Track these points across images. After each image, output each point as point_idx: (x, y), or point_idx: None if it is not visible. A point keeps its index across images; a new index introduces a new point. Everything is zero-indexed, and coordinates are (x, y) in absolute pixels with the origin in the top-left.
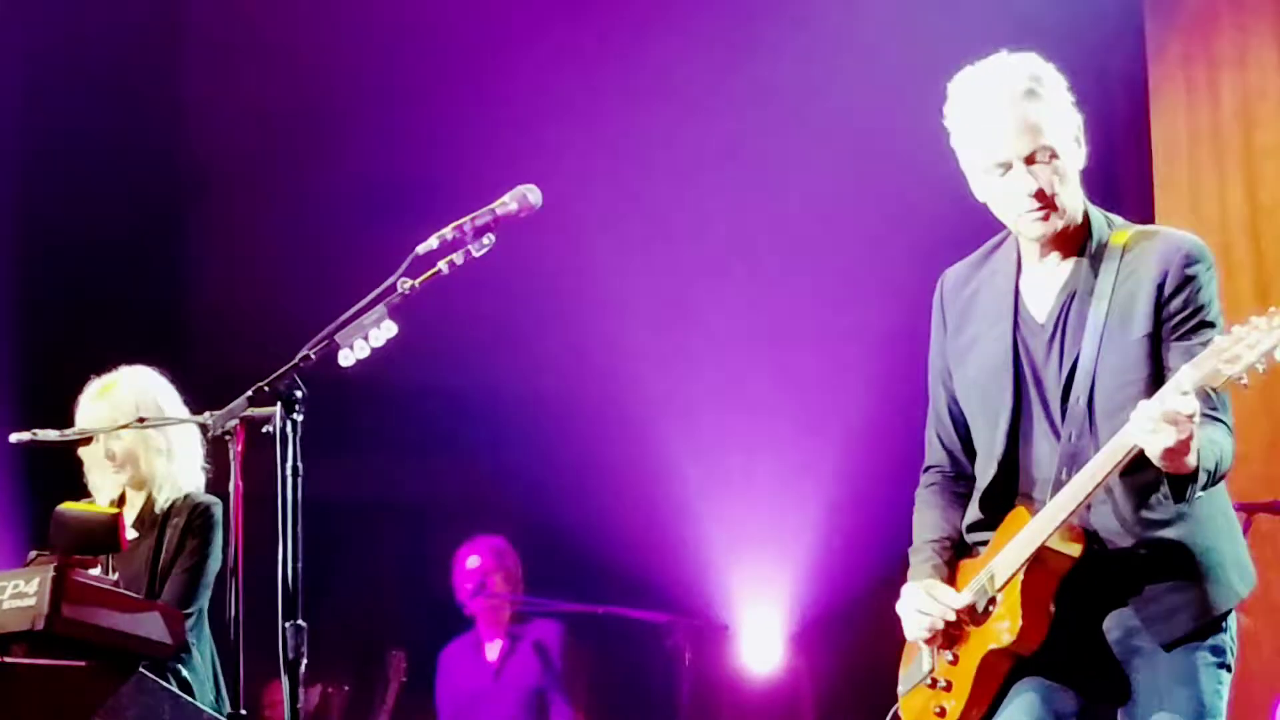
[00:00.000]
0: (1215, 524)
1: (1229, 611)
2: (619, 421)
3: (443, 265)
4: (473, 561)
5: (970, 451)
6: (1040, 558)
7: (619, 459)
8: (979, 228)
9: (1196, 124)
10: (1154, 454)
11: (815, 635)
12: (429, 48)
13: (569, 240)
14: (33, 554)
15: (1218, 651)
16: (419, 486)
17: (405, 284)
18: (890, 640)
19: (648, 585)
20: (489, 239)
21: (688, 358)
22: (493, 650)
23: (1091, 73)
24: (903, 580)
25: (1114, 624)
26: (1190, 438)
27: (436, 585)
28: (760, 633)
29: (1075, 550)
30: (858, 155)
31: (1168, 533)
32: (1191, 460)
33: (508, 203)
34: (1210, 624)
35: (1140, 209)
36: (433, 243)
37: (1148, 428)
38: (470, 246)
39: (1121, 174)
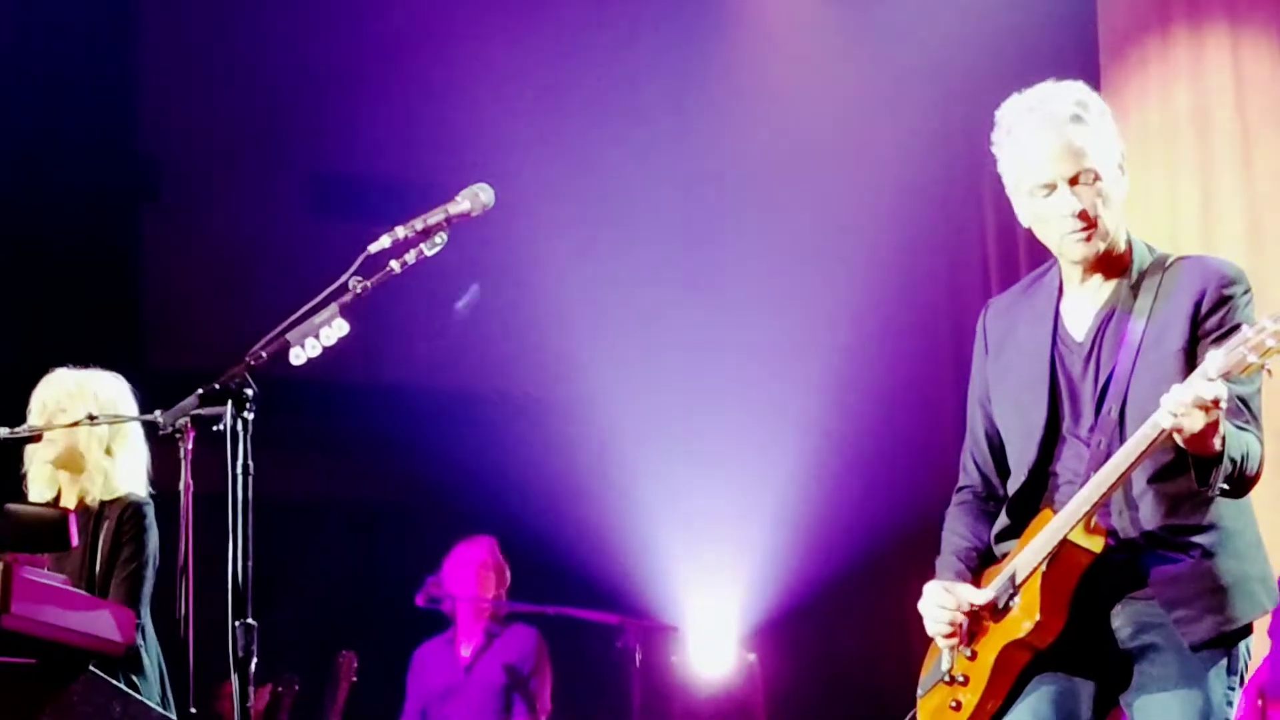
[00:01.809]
0: (1244, 538)
1: (1250, 623)
2: (571, 423)
3: (395, 264)
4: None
5: (1003, 473)
6: (1062, 552)
7: (570, 460)
8: (939, 240)
9: (1147, 126)
10: (1181, 438)
11: (766, 636)
12: (385, 46)
13: (527, 241)
14: None
15: (1234, 660)
16: (370, 487)
17: (357, 283)
18: (842, 640)
19: (598, 586)
20: (441, 238)
21: (642, 359)
22: (467, 648)
23: (1045, 72)
24: (855, 582)
25: (1131, 620)
26: (1216, 423)
27: (386, 586)
28: (711, 634)
29: (1097, 545)
30: (820, 162)
31: (1197, 539)
32: (1217, 444)
33: (460, 202)
34: (1233, 633)
35: None
36: (384, 241)
37: (1177, 412)
38: (422, 246)
39: None
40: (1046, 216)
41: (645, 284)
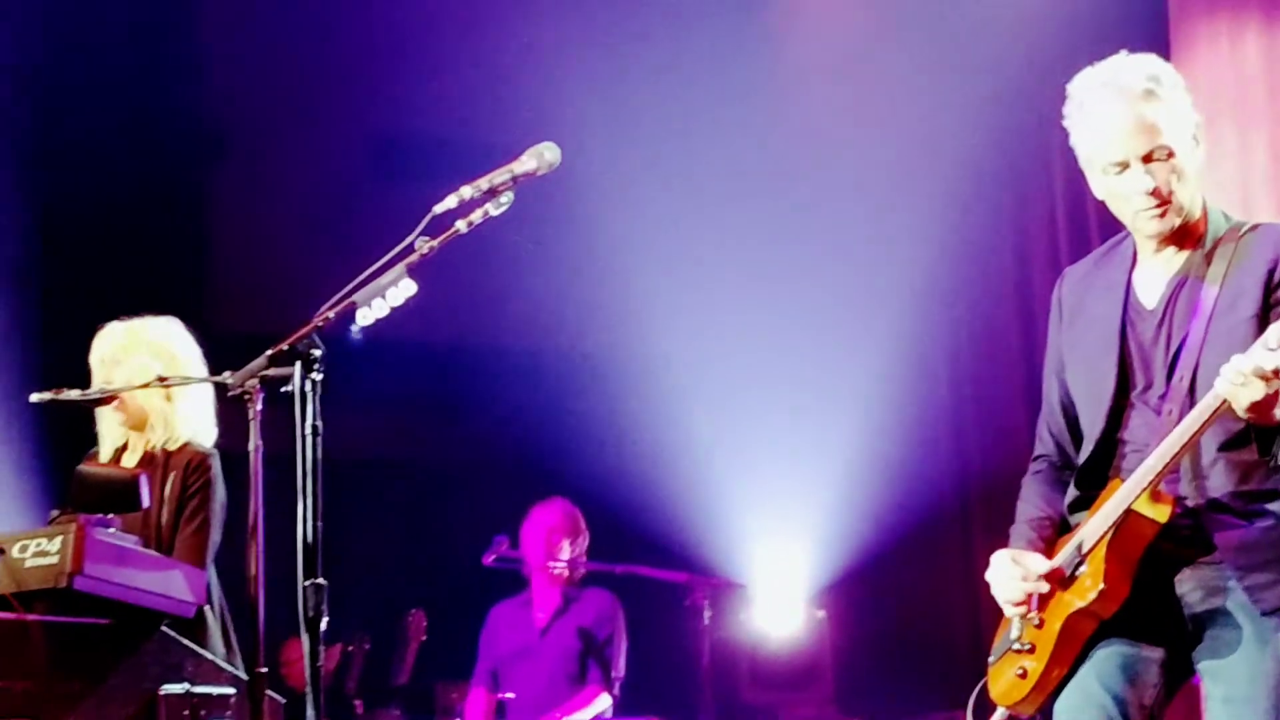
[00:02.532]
0: None
1: None
2: (641, 381)
3: (461, 225)
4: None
5: (1078, 442)
6: (1127, 521)
7: (640, 418)
8: (1007, 206)
9: (1218, 84)
10: (1240, 408)
11: (835, 594)
12: (449, 4)
13: (593, 199)
14: (54, 513)
15: None
16: (440, 446)
17: (424, 243)
18: (911, 598)
19: (666, 545)
20: (507, 198)
21: (711, 318)
22: (543, 611)
23: (1112, 31)
24: (924, 540)
25: (1199, 585)
26: (1277, 394)
27: (455, 545)
28: (780, 592)
29: (1162, 515)
30: (886, 128)
31: (1269, 507)
32: (1278, 415)
33: (526, 161)
34: None
35: None
36: (451, 202)
37: (1236, 381)
38: (488, 205)
39: None
40: (1120, 193)
41: (716, 242)
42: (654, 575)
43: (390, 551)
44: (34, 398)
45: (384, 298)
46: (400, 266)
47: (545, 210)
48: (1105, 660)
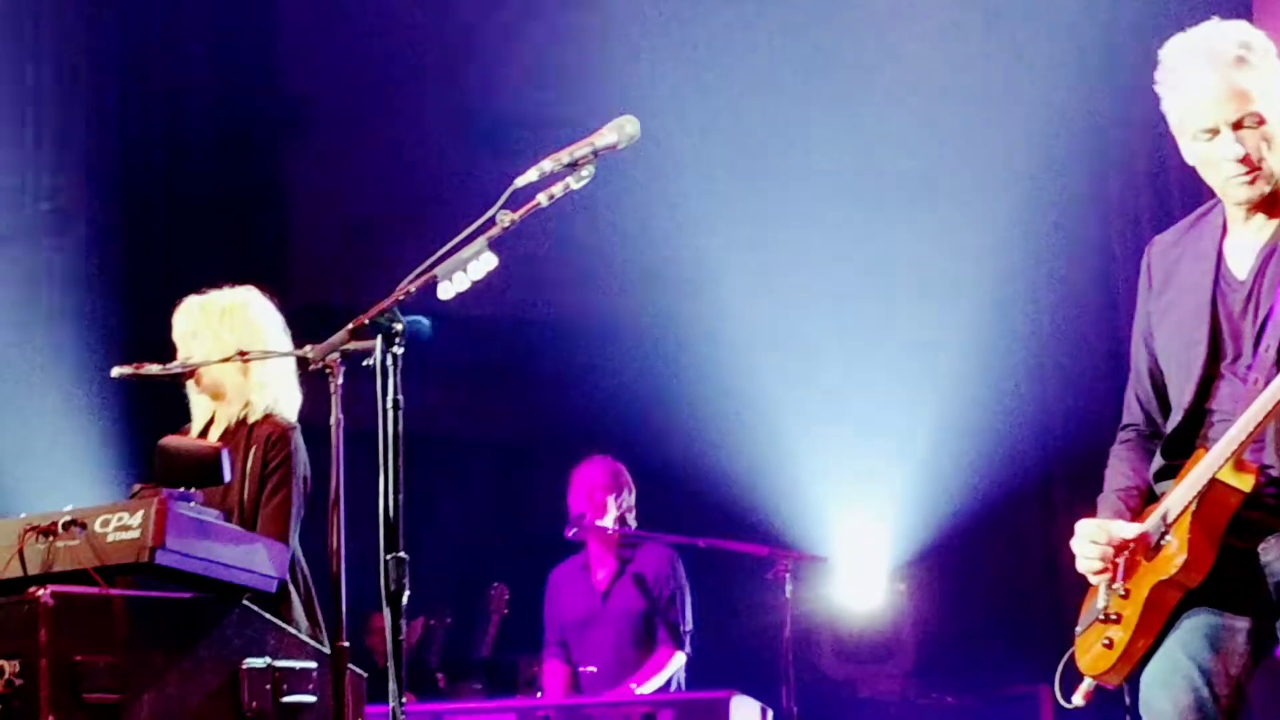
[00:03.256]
0: None
1: None
2: (721, 354)
3: (542, 198)
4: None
5: (1166, 410)
6: (1211, 491)
7: (721, 392)
8: (1086, 167)
9: None
10: None
11: (916, 568)
12: None
13: (672, 169)
14: (137, 487)
15: None
16: (522, 421)
17: (504, 217)
18: (989, 574)
19: (749, 518)
20: (588, 171)
21: (792, 290)
22: (602, 574)
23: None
24: (1005, 514)
25: None
26: None
27: (536, 518)
28: (861, 565)
29: (1246, 484)
30: (968, 99)
31: None
32: None
33: (607, 134)
34: None
35: None
36: (532, 175)
37: None
38: (569, 179)
39: None
40: (1209, 160)
41: (798, 213)
42: (736, 549)
43: (472, 526)
44: (115, 372)
45: (465, 271)
46: (481, 240)
47: (625, 180)
48: (1191, 630)
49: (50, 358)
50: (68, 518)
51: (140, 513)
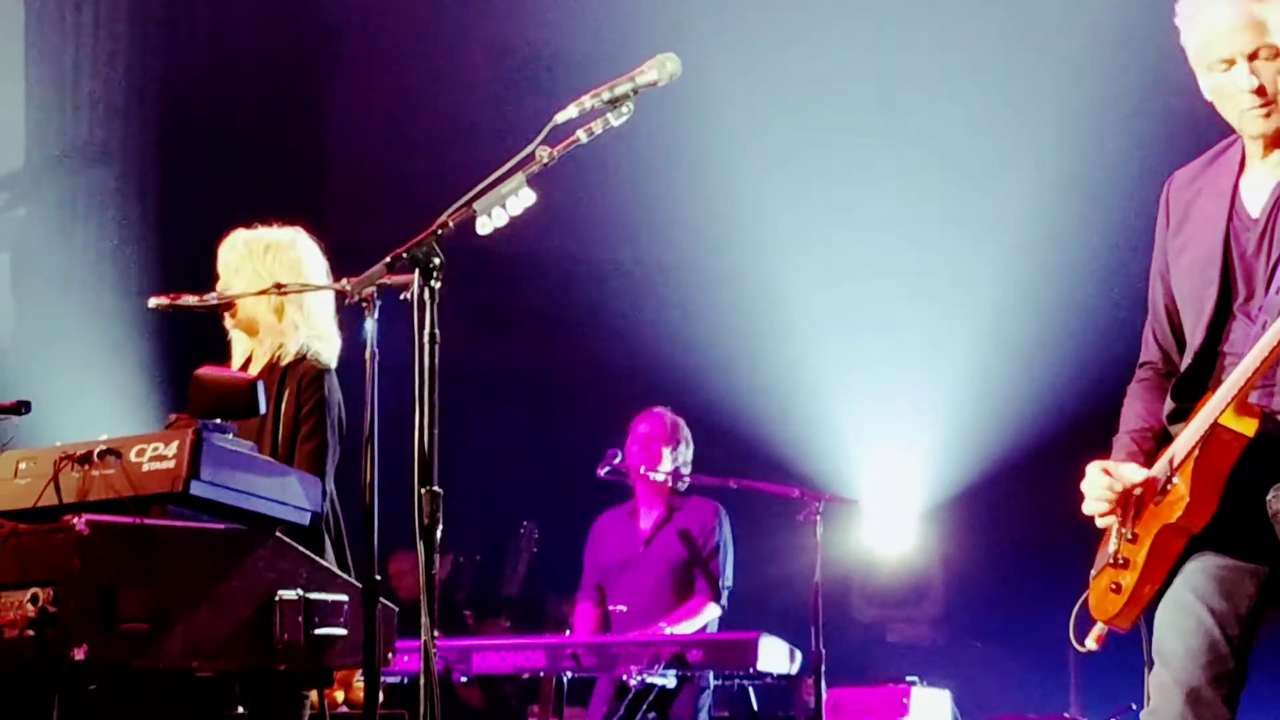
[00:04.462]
0: None
1: None
2: (755, 298)
3: (581, 134)
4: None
5: (1183, 349)
6: (1214, 435)
7: (755, 335)
8: (1122, 122)
9: None
10: None
11: (947, 512)
12: None
13: (714, 112)
14: (172, 417)
15: None
16: (554, 359)
17: (544, 153)
18: (1020, 519)
19: (781, 460)
20: (628, 108)
21: (827, 235)
22: (647, 520)
23: None
24: (1034, 459)
25: None
26: None
27: (568, 458)
28: (892, 509)
29: (1249, 428)
30: (1011, 63)
31: None
32: None
33: (648, 72)
34: None
35: None
36: (572, 111)
37: None
38: (609, 115)
39: None
40: (1225, 91)
41: (834, 159)
42: (767, 490)
43: (504, 464)
44: (151, 303)
45: (504, 206)
46: (520, 175)
47: (666, 126)
48: (1199, 573)
49: (89, 288)
50: (103, 447)
51: (175, 443)
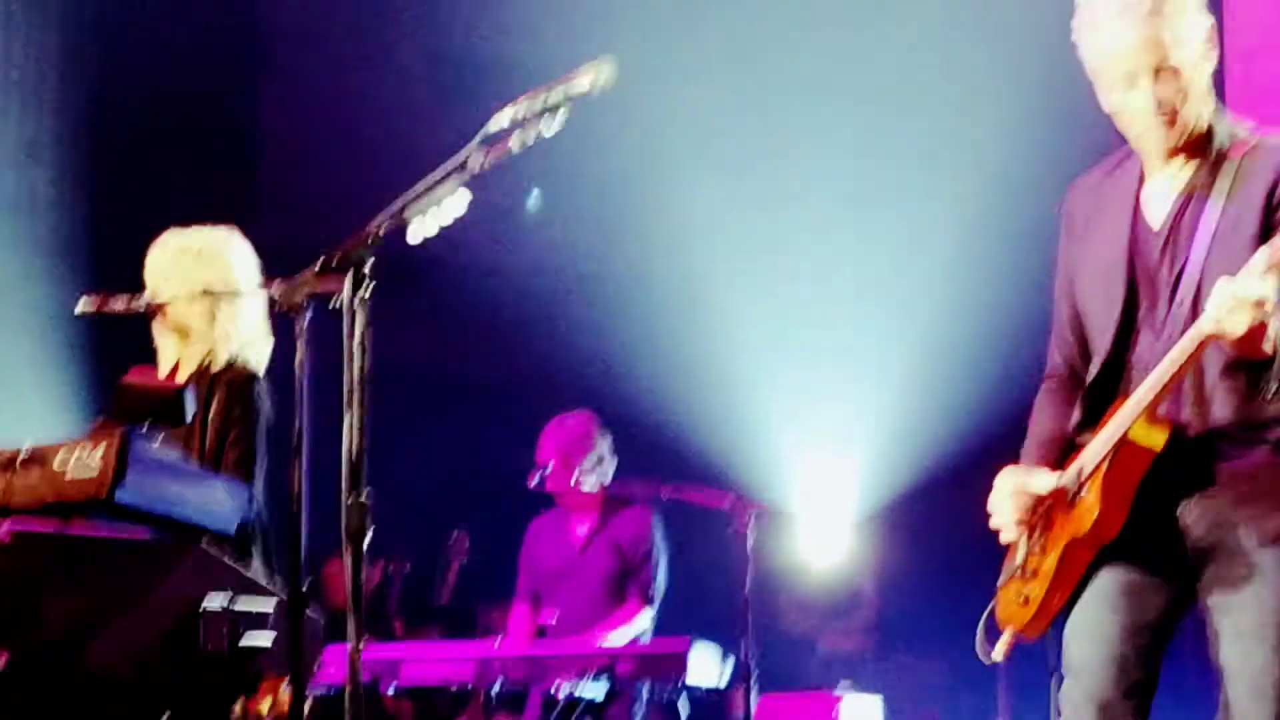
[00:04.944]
0: None
1: None
2: (688, 304)
3: (513, 143)
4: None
5: (1089, 359)
6: (1123, 448)
7: (688, 341)
8: (1054, 136)
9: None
10: (1229, 337)
11: (879, 524)
12: None
13: (648, 125)
14: (99, 420)
15: None
16: (485, 364)
17: (475, 160)
18: (953, 529)
19: (712, 468)
20: (562, 116)
21: (760, 241)
22: (582, 527)
23: None
24: (966, 470)
25: (1204, 517)
26: (1265, 324)
27: (500, 465)
28: (824, 520)
29: (1158, 441)
30: (949, 57)
31: (1270, 432)
32: (1267, 347)
33: (580, 80)
34: None
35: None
36: (503, 119)
37: (1223, 310)
38: (541, 125)
39: None
40: (1126, 109)
41: (766, 169)
42: (699, 499)
43: (433, 471)
44: (79, 306)
45: (435, 214)
46: (452, 182)
47: (598, 131)
48: (1108, 584)
49: (15, 291)
50: (26, 453)
51: (100, 450)
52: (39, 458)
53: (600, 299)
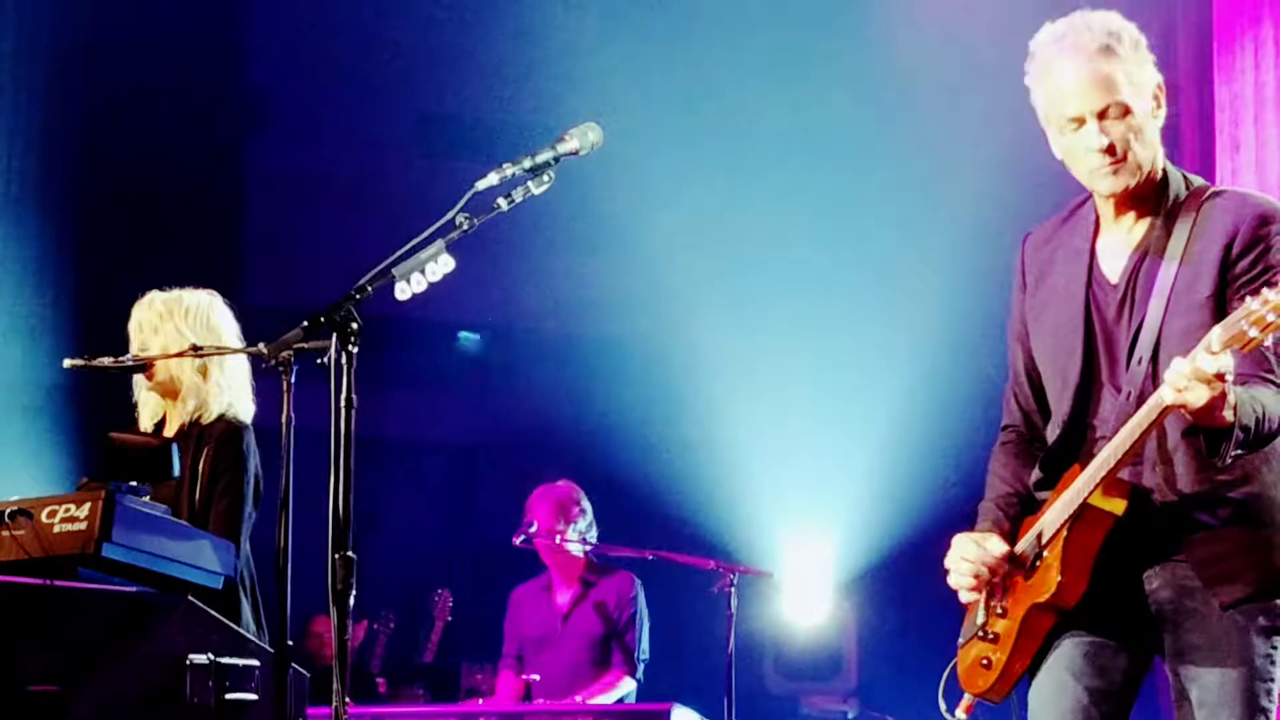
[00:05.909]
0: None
1: None
2: (671, 369)
3: (502, 203)
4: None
5: (1046, 412)
6: (1083, 514)
7: (671, 406)
8: (1038, 194)
9: (1263, 82)
10: (1190, 409)
11: (861, 588)
12: None
13: (634, 186)
14: (84, 479)
15: (1272, 615)
16: (469, 427)
17: (463, 220)
18: (934, 593)
19: (696, 532)
20: (549, 177)
21: (743, 309)
22: (564, 596)
23: (1156, 29)
24: (949, 533)
25: (1168, 583)
26: (1224, 395)
27: (484, 526)
28: (806, 581)
29: (1118, 507)
30: (926, 124)
31: (1231, 495)
32: (1227, 415)
33: (569, 141)
34: (1270, 589)
35: (1202, 169)
36: (492, 179)
37: (1180, 385)
38: (530, 184)
39: (1184, 133)
40: (1075, 151)
41: (751, 234)
42: (682, 561)
43: (419, 531)
44: (67, 363)
45: (423, 273)
46: (440, 242)
47: (591, 198)
48: (1071, 650)
49: (1, 349)
50: (14, 508)
51: (87, 504)
52: (26, 512)
53: (590, 366)
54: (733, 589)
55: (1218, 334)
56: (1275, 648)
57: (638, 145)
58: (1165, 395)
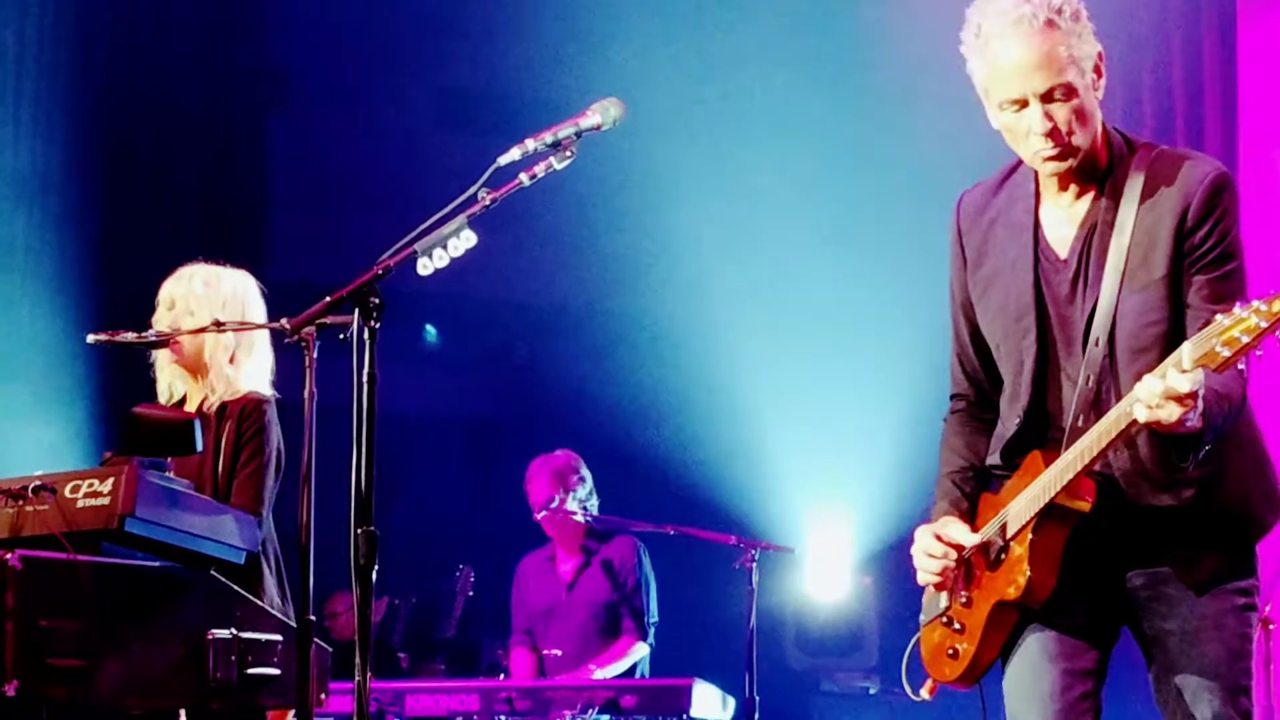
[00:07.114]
0: (1242, 460)
1: (1254, 550)
2: (695, 343)
3: (524, 177)
4: (541, 477)
5: (995, 380)
6: (1049, 512)
7: (694, 380)
8: None
9: None
10: (1162, 425)
11: (882, 563)
12: None
13: (652, 159)
14: (108, 454)
15: (1244, 593)
16: (492, 402)
17: (485, 195)
18: None
19: (718, 507)
20: (571, 152)
21: (767, 283)
22: (567, 565)
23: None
24: None
25: (1137, 572)
26: (1192, 409)
27: (505, 501)
28: (828, 557)
29: (1084, 505)
30: (948, 95)
31: (1195, 475)
32: (1197, 422)
33: (591, 116)
34: (1238, 565)
35: (1225, 133)
36: (514, 154)
37: (1151, 403)
38: (552, 159)
39: (1208, 96)
40: (1017, 131)
41: (777, 210)
42: (704, 536)
43: (441, 507)
44: (90, 338)
45: (445, 248)
46: (461, 217)
47: (610, 172)
48: (1044, 634)
49: (24, 325)
50: (38, 483)
51: (111, 480)
52: (50, 487)
53: (612, 340)
54: (754, 564)
55: (1188, 351)
56: (1251, 624)
57: (664, 122)
58: (1139, 414)
